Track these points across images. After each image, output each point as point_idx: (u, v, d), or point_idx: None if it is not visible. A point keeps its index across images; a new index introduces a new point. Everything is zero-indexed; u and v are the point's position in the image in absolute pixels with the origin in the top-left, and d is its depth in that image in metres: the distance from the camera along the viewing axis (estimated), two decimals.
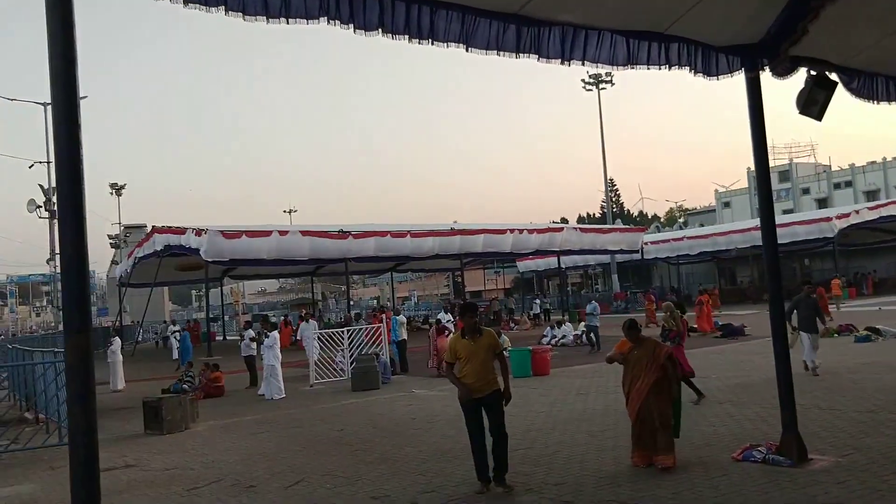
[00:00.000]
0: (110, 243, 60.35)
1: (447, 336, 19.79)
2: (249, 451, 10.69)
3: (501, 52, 5.88)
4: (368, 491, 7.79)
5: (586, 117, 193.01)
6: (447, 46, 5.47)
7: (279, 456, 10.12)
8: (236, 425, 13.30)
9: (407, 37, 5.20)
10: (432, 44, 5.34)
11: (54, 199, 30.88)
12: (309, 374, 18.72)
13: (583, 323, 26.45)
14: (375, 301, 76.86)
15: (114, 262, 57.48)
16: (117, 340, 22.09)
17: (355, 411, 13.81)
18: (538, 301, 43.78)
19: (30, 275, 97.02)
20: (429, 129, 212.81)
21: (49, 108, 38.05)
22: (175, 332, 31.81)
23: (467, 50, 5.71)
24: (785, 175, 76.96)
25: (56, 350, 13.90)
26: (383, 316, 21.21)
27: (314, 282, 58.72)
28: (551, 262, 50.37)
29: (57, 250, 39.90)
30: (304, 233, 31.41)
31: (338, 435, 11.44)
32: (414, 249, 33.77)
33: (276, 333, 17.41)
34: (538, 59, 5.92)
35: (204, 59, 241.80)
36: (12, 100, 36.56)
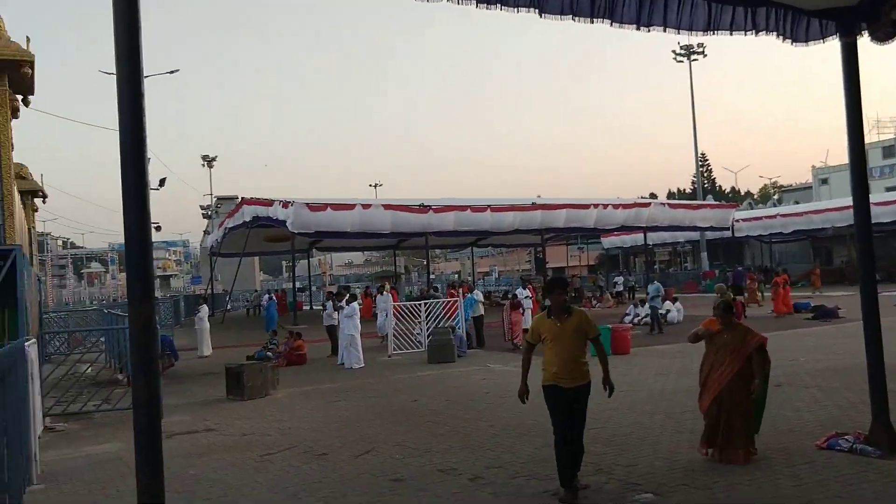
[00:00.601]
0: (202, 213, 62.54)
1: (521, 313, 19.70)
2: (325, 418, 10.89)
3: (576, 18, 5.63)
4: (437, 463, 7.80)
5: (677, 90, 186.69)
6: (517, 11, 5.27)
7: (353, 424, 10.26)
8: (315, 393, 13.58)
9: (474, 2, 5.03)
10: (501, 9, 5.15)
11: (149, 169, 32.10)
12: (387, 345, 18.97)
13: (667, 302, 25.85)
14: (457, 275, 77.11)
15: (206, 232, 59.52)
16: (204, 308, 22.86)
17: (430, 383, 13.88)
18: (621, 278, 42.95)
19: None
20: (514, 101, 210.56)
21: (146, 81, 39.47)
22: (272, 300, 32.42)
23: (541, 16, 5.48)
24: (890, 150, 72.69)
25: None
26: (459, 290, 21.18)
27: (397, 255, 59.27)
28: (637, 238, 49.28)
29: (153, 219, 41.77)
30: (386, 206, 31.61)
31: (411, 406, 11.53)
32: (494, 224, 33.55)
33: (355, 304, 17.66)
34: (611, 24, 5.64)
35: (290, 32, 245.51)
36: (110, 73, 37.94)
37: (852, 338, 16.34)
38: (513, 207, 33.90)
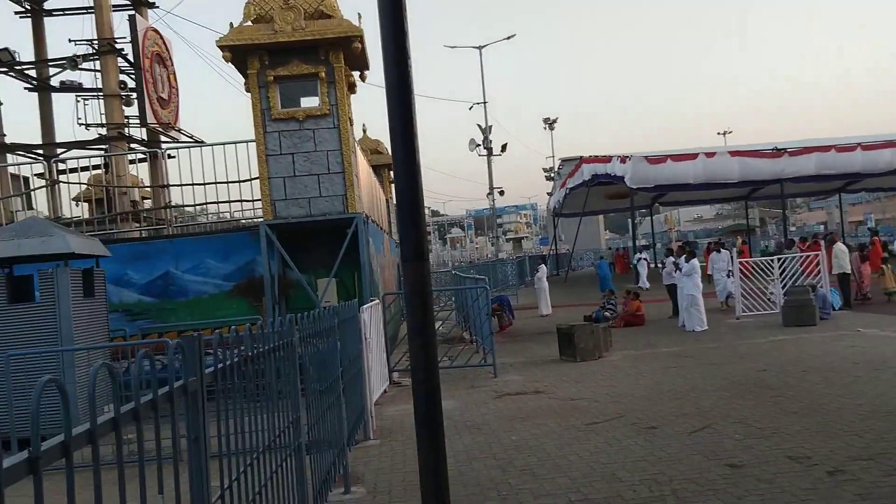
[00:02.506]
0: (545, 176, 63.95)
1: (883, 262, 16.92)
2: (658, 386, 10.05)
3: None
4: (785, 448, 6.57)
5: None
6: None
7: (689, 395, 9.29)
8: (650, 356, 12.75)
9: None
10: None
11: (491, 136, 33.15)
12: (735, 306, 17.28)
13: None
14: (823, 226, 69.22)
15: (549, 194, 60.87)
16: (543, 268, 23.09)
17: (783, 350, 12.19)
18: None
19: (483, 209, 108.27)
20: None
21: (483, 50, 41.06)
22: (641, 259, 31.69)
23: None
24: None
25: (477, 277, 14.84)
26: (822, 243, 18.51)
27: (749, 206, 54.76)
28: None
29: (495, 185, 43.57)
30: (733, 153, 29.01)
31: (759, 376, 10.15)
32: (866, 165, 28.90)
33: (695, 262, 16.25)
34: None
35: None
36: (452, 47, 40.27)
37: None
38: (890, 143, 28.91)
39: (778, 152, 28.40)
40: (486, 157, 39.55)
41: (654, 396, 9.38)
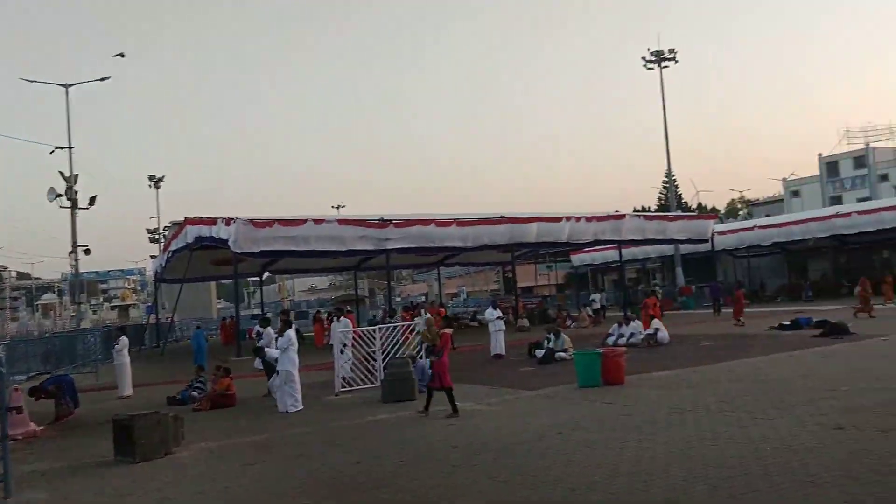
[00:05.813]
0: (149, 238, 58.84)
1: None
2: (233, 494, 7.84)
3: None
4: None
5: (642, 101, 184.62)
6: None
7: None
8: (229, 450, 10.47)
9: None
10: None
11: (76, 186, 28.16)
12: (334, 381, 15.84)
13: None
14: (424, 297, 74.17)
15: (152, 258, 55.92)
16: (123, 339, 19.48)
17: (380, 432, 10.85)
18: (598, 295, 40.33)
19: (84, 273, 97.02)
20: (472, 119, 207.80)
21: (70, 89, 35.85)
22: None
23: None
24: (861, 161, 71.48)
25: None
26: (424, 311, 18.16)
27: (360, 277, 56.16)
28: (608, 255, 46.75)
29: (79, 242, 37.88)
30: (342, 221, 28.67)
31: (352, 471, 8.50)
32: (461, 239, 30.78)
33: (291, 333, 14.38)
34: None
35: (245, 50, 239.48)
36: (32, 81, 34.62)
37: (888, 359, 13.95)
38: (481, 221, 31.18)
39: (384, 223, 28.77)
40: (69, 210, 33.99)
41: None
